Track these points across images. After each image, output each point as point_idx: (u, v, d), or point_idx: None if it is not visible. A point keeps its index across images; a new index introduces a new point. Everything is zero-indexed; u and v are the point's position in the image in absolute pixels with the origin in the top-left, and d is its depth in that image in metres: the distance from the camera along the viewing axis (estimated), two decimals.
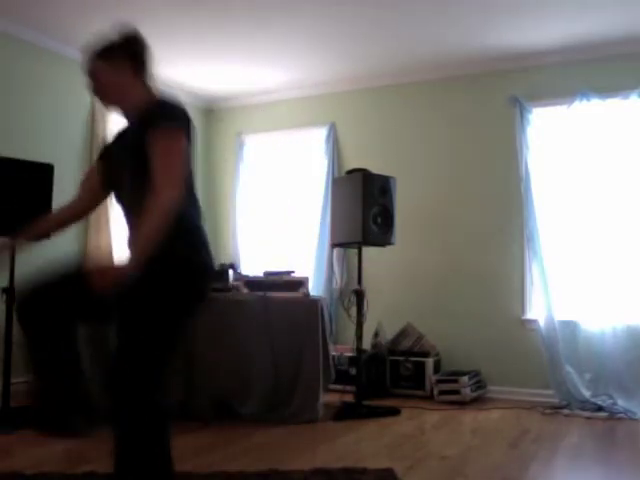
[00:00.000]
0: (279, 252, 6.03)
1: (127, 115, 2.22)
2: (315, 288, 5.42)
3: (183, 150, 2.02)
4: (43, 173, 4.12)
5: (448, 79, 5.48)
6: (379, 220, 4.39)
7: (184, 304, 2.05)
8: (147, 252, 1.89)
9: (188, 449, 3.37)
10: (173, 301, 2.02)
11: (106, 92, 2.21)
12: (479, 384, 4.95)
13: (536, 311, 4.89)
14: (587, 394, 4.56)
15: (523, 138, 5.04)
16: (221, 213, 6.40)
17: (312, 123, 5.99)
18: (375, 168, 4.75)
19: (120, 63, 2.18)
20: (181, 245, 2.04)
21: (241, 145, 6.32)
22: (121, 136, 2.21)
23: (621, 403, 4.41)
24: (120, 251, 5.26)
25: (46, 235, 2.38)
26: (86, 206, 2.32)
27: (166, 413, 2.04)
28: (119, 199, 2.20)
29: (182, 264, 2.04)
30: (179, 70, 5.58)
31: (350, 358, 4.94)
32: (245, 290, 4.39)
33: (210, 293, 2.19)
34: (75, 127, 5.05)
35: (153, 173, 1.95)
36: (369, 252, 4.91)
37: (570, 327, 4.77)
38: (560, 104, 4.96)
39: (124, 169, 2.09)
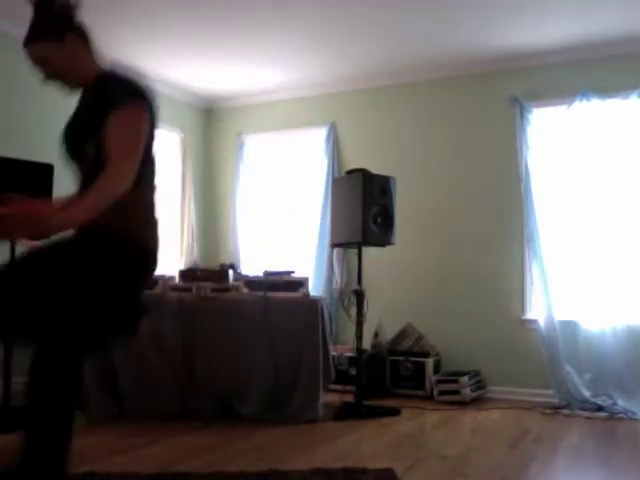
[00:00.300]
0: (279, 252, 6.03)
1: (84, 89, 2.13)
2: (315, 288, 5.42)
3: (142, 130, 1.96)
4: (43, 173, 4.12)
5: (448, 79, 5.48)
6: (379, 220, 4.39)
7: (116, 281, 2.00)
8: (77, 221, 1.87)
9: (188, 449, 3.38)
10: (105, 275, 1.96)
11: (64, 74, 2.09)
12: (479, 384, 4.95)
13: (536, 311, 4.89)
14: (587, 394, 4.56)
15: (523, 138, 5.04)
16: (221, 213, 6.40)
17: (312, 123, 5.99)
18: (375, 168, 4.75)
19: (69, 39, 2.06)
20: (127, 224, 2.01)
21: (241, 145, 6.32)
22: (82, 110, 2.12)
23: (621, 403, 4.41)
24: None
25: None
26: None
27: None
28: (79, 171, 2.14)
29: (124, 242, 2.01)
30: (179, 70, 5.58)
31: (350, 358, 4.94)
32: (245, 290, 4.39)
33: (150, 276, 2.13)
34: None
35: (108, 152, 1.89)
36: (369, 252, 4.91)
37: (570, 327, 4.77)
38: (560, 104, 4.96)
39: (87, 145, 2.03)
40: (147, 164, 2.06)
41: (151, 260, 2.11)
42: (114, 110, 1.92)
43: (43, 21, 2.07)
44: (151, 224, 2.11)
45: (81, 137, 2.05)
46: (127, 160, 1.91)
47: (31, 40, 2.08)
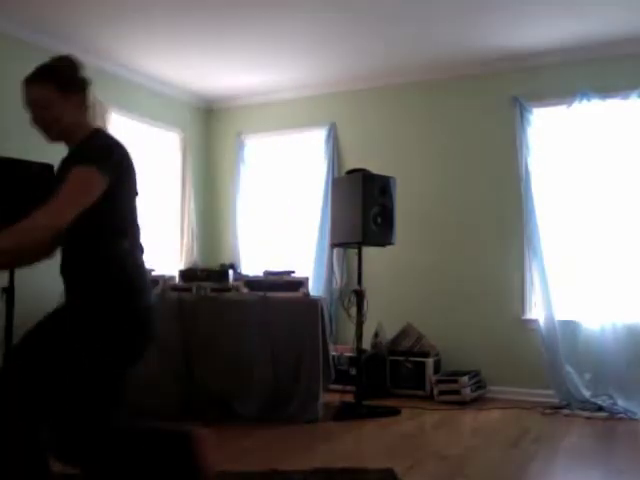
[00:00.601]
0: (279, 252, 6.03)
1: (70, 149, 2.15)
2: (315, 288, 5.42)
3: (86, 188, 1.95)
4: (43, 173, 4.11)
5: (448, 79, 5.48)
6: (379, 220, 4.39)
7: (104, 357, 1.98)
8: None
9: None
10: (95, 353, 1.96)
11: (54, 125, 2.09)
12: (479, 384, 4.94)
13: (536, 311, 4.89)
14: (587, 394, 4.56)
15: (523, 138, 5.04)
16: (221, 213, 6.40)
17: (312, 123, 5.98)
18: (375, 168, 4.75)
19: (75, 98, 2.09)
20: (107, 294, 1.99)
21: (241, 145, 6.32)
22: (61, 168, 2.15)
23: (621, 403, 4.40)
24: None
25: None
26: None
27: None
28: None
29: (109, 316, 1.98)
30: (179, 70, 5.58)
31: (350, 358, 4.94)
32: (245, 290, 4.39)
33: (148, 339, 2.09)
34: None
35: (51, 197, 1.91)
36: (369, 252, 4.91)
37: (570, 327, 4.77)
38: (560, 104, 4.96)
39: None
40: (120, 220, 2.06)
41: (145, 321, 2.06)
42: (72, 168, 1.97)
43: (60, 70, 2.12)
44: (138, 279, 2.08)
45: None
46: (58, 204, 1.91)
47: (39, 77, 2.11)
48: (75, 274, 2.05)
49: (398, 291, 5.48)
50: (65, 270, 2.07)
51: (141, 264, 2.11)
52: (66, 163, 2.08)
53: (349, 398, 4.53)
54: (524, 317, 5.04)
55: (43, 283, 4.70)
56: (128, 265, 2.05)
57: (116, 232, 2.05)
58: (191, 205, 6.09)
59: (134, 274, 2.05)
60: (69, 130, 2.11)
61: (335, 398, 4.53)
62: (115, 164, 2.02)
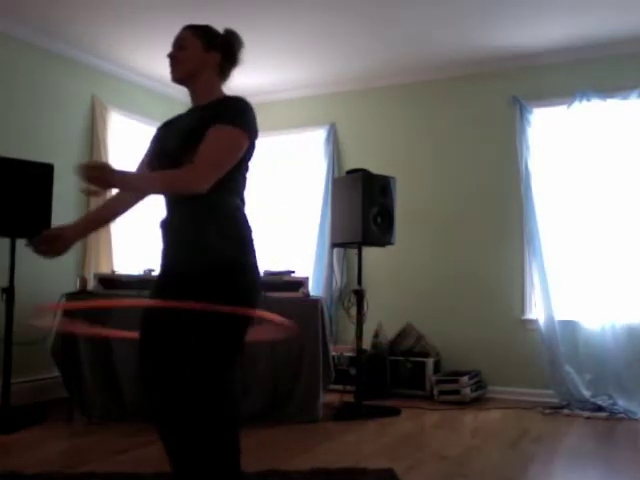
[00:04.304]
0: (279, 252, 6.03)
1: (200, 106, 2.16)
2: (315, 288, 5.42)
3: (236, 150, 1.97)
4: (43, 173, 4.12)
5: (448, 79, 5.48)
6: (379, 220, 4.40)
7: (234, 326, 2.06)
8: (135, 183, 1.96)
9: None
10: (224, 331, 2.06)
11: (188, 74, 2.23)
12: (479, 384, 4.94)
13: (536, 311, 4.89)
14: (587, 394, 4.56)
15: (523, 138, 5.04)
16: None
17: (312, 123, 5.98)
18: (375, 168, 4.75)
19: (214, 56, 2.29)
20: (224, 249, 2.07)
21: None
22: (191, 119, 2.11)
23: (621, 403, 4.41)
24: (119, 254, 5.25)
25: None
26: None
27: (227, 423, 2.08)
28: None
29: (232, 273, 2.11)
30: None
31: (350, 358, 4.93)
32: None
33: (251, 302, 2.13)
34: (75, 127, 5.05)
35: (198, 153, 1.89)
36: (369, 252, 4.91)
37: (570, 327, 4.77)
38: (560, 104, 4.96)
39: (173, 151, 2.02)
40: (242, 184, 2.08)
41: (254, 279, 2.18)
42: (219, 123, 1.95)
43: (209, 28, 2.32)
44: (250, 241, 2.18)
45: (182, 142, 2.02)
46: (208, 167, 1.89)
47: (191, 27, 2.28)
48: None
49: (398, 291, 5.48)
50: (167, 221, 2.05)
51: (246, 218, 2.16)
52: (206, 120, 2.01)
53: (349, 398, 4.52)
54: (524, 317, 5.04)
55: (43, 283, 4.71)
56: (240, 217, 2.09)
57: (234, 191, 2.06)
58: None
59: (245, 225, 2.13)
60: (201, 85, 2.22)
61: (335, 398, 4.53)
62: (253, 129, 2.05)
